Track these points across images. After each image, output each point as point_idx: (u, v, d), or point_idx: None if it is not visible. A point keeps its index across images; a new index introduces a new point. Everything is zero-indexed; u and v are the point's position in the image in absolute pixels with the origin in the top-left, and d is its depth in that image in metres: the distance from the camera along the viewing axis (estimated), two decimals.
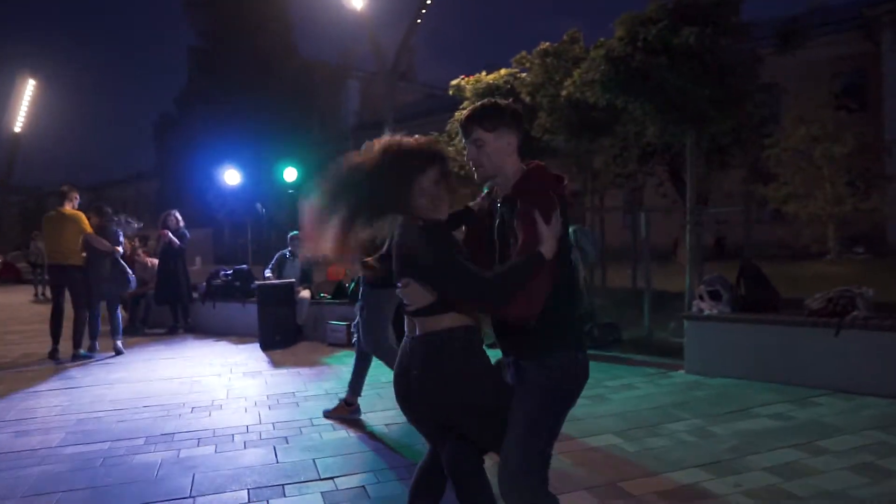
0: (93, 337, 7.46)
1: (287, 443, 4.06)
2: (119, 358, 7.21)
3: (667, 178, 16.57)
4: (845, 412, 4.22)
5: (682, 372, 5.53)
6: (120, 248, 7.47)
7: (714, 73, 5.92)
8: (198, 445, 4.04)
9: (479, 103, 2.17)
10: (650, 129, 7.13)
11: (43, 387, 5.87)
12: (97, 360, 7.10)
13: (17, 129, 20.95)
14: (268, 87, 27.77)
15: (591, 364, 2.19)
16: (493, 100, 2.19)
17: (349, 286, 7.86)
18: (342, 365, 6.40)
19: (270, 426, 4.42)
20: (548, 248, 1.96)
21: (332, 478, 3.45)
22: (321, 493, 3.25)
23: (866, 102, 22.01)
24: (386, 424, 4.36)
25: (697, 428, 4.03)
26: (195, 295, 9.48)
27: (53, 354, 7.15)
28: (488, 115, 2.11)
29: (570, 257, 2.18)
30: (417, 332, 2.14)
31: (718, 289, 5.52)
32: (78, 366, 6.84)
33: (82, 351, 7.17)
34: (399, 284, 2.14)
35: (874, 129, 19.82)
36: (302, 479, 3.42)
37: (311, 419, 4.56)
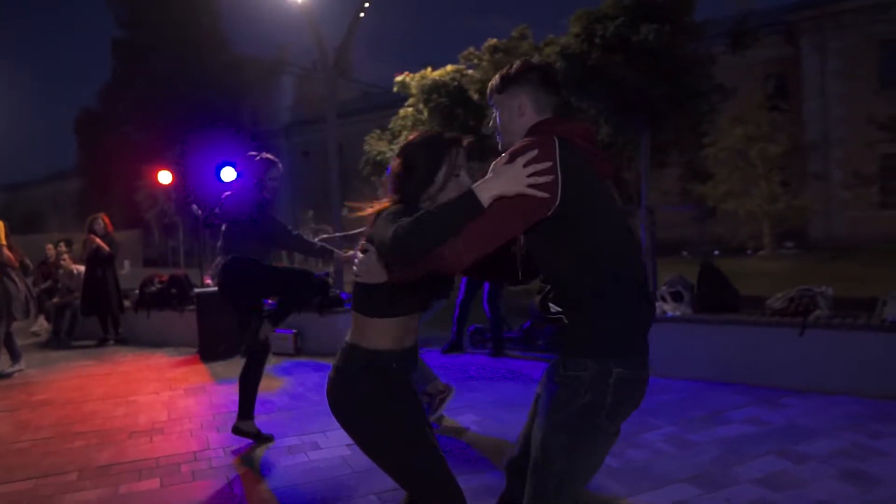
0: (15, 354, 6.84)
1: (252, 466, 3.71)
2: (43, 376, 6.60)
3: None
4: (816, 413, 4.19)
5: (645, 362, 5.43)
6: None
7: (671, 72, 5.87)
8: (139, 479, 3.63)
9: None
10: (604, 129, 7.04)
11: None
12: (16, 381, 6.47)
13: None
14: (197, 81, 26.63)
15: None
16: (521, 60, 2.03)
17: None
18: (289, 376, 6.05)
19: (221, 451, 4.04)
20: (486, 188, 1.66)
21: None
22: None
23: (791, 104, 23.03)
24: (348, 444, 4.05)
25: (674, 436, 3.91)
26: (127, 303, 8.86)
27: None
28: (501, 77, 1.94)
29: (614, 222, 1.83)
30: (347, 338, 2.02)
31: (680, 289, 5.48)
32: None
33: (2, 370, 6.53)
34: (357, 250, 2.00)
35: (798, 129, 20.74)
36: None
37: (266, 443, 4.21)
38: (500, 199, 1.67)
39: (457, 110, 9.23)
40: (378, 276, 1.88)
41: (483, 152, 7.93)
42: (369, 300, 1.96)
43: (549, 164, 1.69)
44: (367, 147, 12.41)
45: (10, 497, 3.44)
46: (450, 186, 1.92)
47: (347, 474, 3.54)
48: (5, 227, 6.82)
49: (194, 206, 10.45)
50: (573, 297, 1.81)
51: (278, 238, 4.25)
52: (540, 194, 1.68)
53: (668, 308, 5.44)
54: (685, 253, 14.70)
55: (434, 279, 1.91)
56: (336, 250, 4.10)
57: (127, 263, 12.87)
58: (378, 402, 1.96)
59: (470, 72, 9.26)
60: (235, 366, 6.74)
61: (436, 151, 1.95)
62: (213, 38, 29.53)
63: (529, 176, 1.66)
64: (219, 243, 4.38)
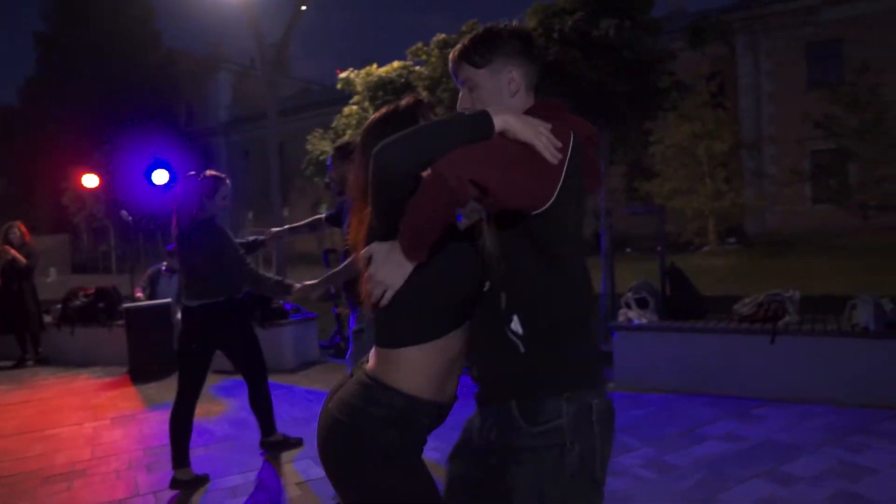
0: None
1: None
2: None
3: None
4: (792, 426, 4.02)
5: (611, 386, 5.21)
6: None
7: (632, 69, 5.65)
8: None
9: (475, 32, 1.57)
10: None
11: None
12: None
13: None
14: (128, 76, 25.29)
15: None
16: (491, 25, 1.58)
17: None
18: (232, 398, 5.55)
19: (151, 497, 3.56)
20: (501, 114, 1.32)
21: None
22: None
23: (731, 103, 23.61)
24: (299, 483, 3.64)
25: (652, 460, 3.66)
26: (48, 319, 8.11)
27: None
28: (479, 45, 1.53)
29: (578, 238, 1.51)
30: (367, 366, 1.54)
31: (645, 296, 5.26)
32: None
33: None
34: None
35: (738, 127, 21.24)
36: None
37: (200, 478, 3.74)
38: (506, 140, 1.32)
39: None
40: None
41: None
42: (391, 323, 1.49)
43: (560, 156, 1.35)
44: (309, 146, 11.92)
45: None
46: None
47: None
48: None
49: (124, 213, 9.77)
50: (548, 319, 1.44)
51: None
52: (550, 158, 1.32)
53: (633, 315, 5.22)
54: (629, 249, 14.78)
55: (463, 263, 1.50)
56: (294, 283, 3.50)
57: (53, 271, 11.98)
58: (396, 470, 1.48)
59: (418, 68, 8.90)
60: (169, 388, 6.21)
61: (406, 122, 1.52)
62: (145, 31, 28.18)
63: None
64: (181, 281, 3.85)
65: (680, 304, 5.25)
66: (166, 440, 4.16)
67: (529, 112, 1.47)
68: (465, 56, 1.55)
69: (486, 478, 1.56)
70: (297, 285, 3.31)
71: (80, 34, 25.74)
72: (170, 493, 3.56)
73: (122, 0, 26.60)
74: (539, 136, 1.32)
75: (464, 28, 8.24)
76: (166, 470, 3.81)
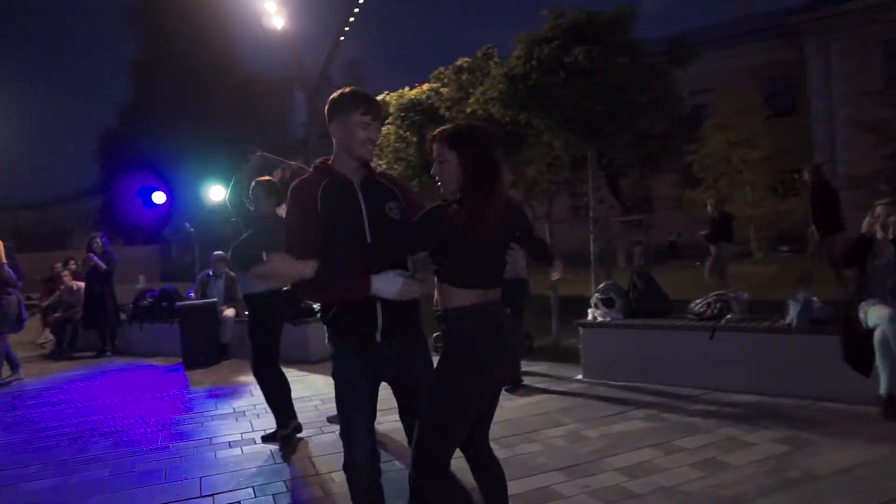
0: (15, 364, 7.46)
1: (180, 463, 4.16)
2: (37, 384, 7.17)
3: (604, 184, 17.10)
4: (711, 412, 4.50)
5: (580, 377, 5.78)
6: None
7: (607, 90, 6.21)
8: (90, 470, 4.11)
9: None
10: (557, 143, 7.41)
11: None
12: (12, 389, 7.05)
13: None
14: (211, 100, 27.51)
15: None
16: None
17: None
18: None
19: (169, 446, 4.51)
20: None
21: (211, 495, 3.57)
22: None
23: (795, 106, 23.00)
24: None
25: (572, 432, 4.27)
26: (123, 316, 9.43)
27: None
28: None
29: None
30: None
31: (612, 296, 5.80)
32: None
33: None
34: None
35: (805, 131, 20.71)
36: (180, 498, 3.53)
37: (210, 438, 4.67)
38: None
39: (428, 127, 9.68)
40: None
41: None
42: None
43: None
44: None
45: None
46: None
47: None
48: (4, 246, 7.44)
49: (186, 225, 11.09)
50: None
51: None
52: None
53: (598, 314, 5.77)
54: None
55: None
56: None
57: (142, 278, 13.49)
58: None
59: (444, 90, 9.69)
60: (212, 374, 7.28)
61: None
62: (227, 56, 30.45)
63: None
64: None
65: (646, 304, 5.75)
66: (196, 410, 5.15)
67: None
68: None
69: None
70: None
71: (170, 62, 28.27)
72: (180, 444, 4.50)
73: (205, 29, 28.92)
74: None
75: (479, 53, 8.97)
76: (186, 428, 4.80)
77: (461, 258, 2.21)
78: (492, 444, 4.00)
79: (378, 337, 2.31)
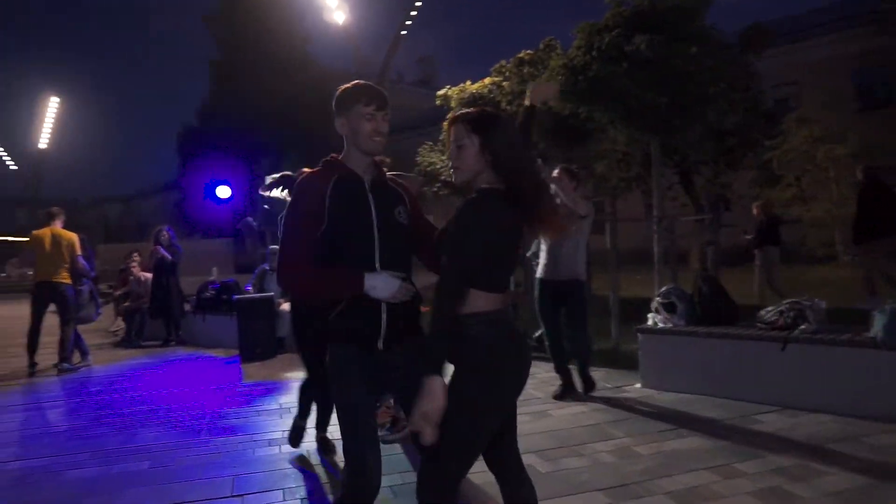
0: (84, 352, 7.77)
1: (219, 458, 4.13)
2: (103, 371, 7.43)
3: (677, 182, 16.35)
4: (779, 433, 4.10)
5: (638, 386, 5.44)
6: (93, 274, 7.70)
7: (672, 80, 5.83)
8: (131, 461, 4.14)
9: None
10: (620, 137, 7.05)
11: (20, 400, 6.09)
12: (79, 375, 7.32)
13: (43, 145, 21.68)
14: (285, 96, 28.18)
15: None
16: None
17: None
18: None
19: (210, 440, 4.50)
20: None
21: (241, 495, 3.50)
22: None
23: (892, 98, 21.36)
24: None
25: (622, 447, 3.97)
26: (188, 307, 9.68)
27: (32, 368, 7.39)
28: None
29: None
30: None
31: (674, 300, 5.43)
32: (60, 378, 7.07)
33: (66, 364, 7.40)
34: None
35: None
36: (211, 496, 3.48)
37: (252, 434, 4.64)
38: None
39: None
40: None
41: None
42: None
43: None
44: (419, 158, 12.82)
45: (23, 471, 4.03)
46: None
47: None
48: (79, 239, 7.76)
49: (249, 219, 11.28)
50: None
51: None
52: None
53: (659, 319, 5.41)
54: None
55: None
56: None
57: (215, 270, 13.89)
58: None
59: (505, 84, 9.44)
60: (266, 368, 7.34)
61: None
62: (300, 53, 31.16)
63: None
64: None
65: (711, 310, 5.35)
66: (242, 405, 5.14)
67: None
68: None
69: None
70: None
71: (244, 60, 29.16)
72: (220, 440, 4.48)
73: (278, 28, 29.65)
74: None
75: (541, 45, 8.67)
76: (231, 424, 4.80)
77: (497, 257, 2.02)
78: (534, 457, 3.83)
79: (380, 344, 2.14)
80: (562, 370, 5.26)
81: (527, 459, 3.75)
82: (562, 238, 4.93)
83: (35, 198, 25.75)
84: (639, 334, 5.52)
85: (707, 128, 6.43)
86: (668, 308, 5.42)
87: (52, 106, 21.22)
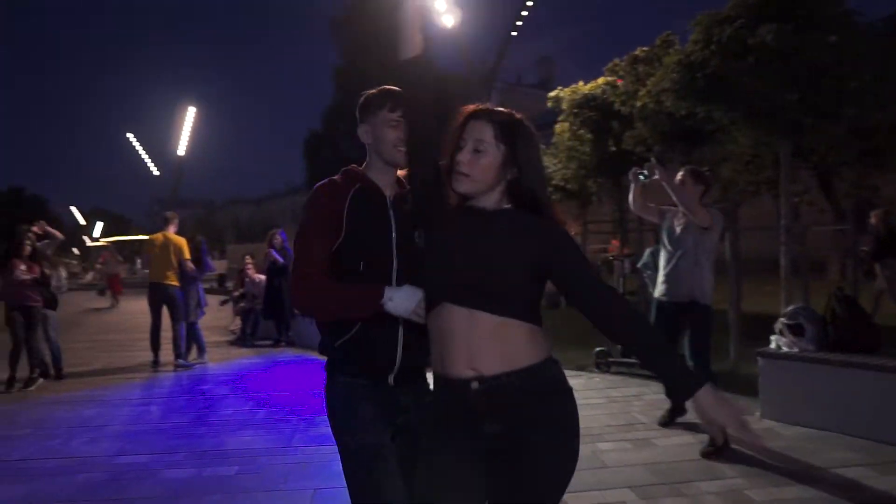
0: (202, 349, 8.20)
1: (305, 469, 4.11)
2: (216, 369, 7.80)
3: (815, 185, 14.87)
4: None
5: (757, 415, 4.87)
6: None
7: (805, 76, 5.18)
8: (222, 464, 4.21)
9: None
10: (744, 139, 6.41)
11: (137, 394, 6.50)
12: (194, 372, 7.73)
13: (181, 152, 23.52)
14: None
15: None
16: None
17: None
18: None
19: (299, 448, 4.51)
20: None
21: None
22: None
23: None
24: None
25: (732, 490, 3.51)
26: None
27: (155, 364, 7.88)
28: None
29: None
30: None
31: (802, 322, 4.80)
32: (175, 374, 7.51)
33: (181, 360, 7.83)
34: None
35: None
36: None
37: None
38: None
39: (611, 122, 8.97)
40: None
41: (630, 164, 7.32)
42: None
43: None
44: None
45: (126, 467, 4.21)
46: None
47: None
48: (197, 240, 8.22)
49: None
50: None
51: None
52: None
53: (783, 343, 4.81)
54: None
55: None
56: None
57: None
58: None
59: (620, 83, 8.94)
60: None
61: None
62: (420, 57, 31.61)
63: None
64: None
65: (846, 335, 4.68)
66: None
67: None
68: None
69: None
70: None
71: (367, 65, 30.02)
72: (313, 448, 4.47)
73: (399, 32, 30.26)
74: None
75: (657, 41, 8.08)
76: (323, 429, 4.81)
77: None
78: (628, 492, 3.47)
79: (391, 379, 1.92)
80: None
81: (620, 495, 3.46)
82: (676, 251, 4.42)
83: (175, 199, 28.03)
84: (759, 358, 4.94)
85: (848, 127, 5.66)
86: (795, 330, 4.80)
87: (189, 115, 22.90)
